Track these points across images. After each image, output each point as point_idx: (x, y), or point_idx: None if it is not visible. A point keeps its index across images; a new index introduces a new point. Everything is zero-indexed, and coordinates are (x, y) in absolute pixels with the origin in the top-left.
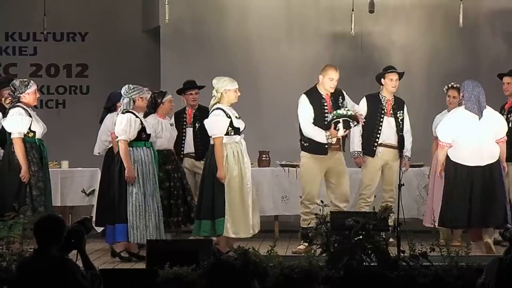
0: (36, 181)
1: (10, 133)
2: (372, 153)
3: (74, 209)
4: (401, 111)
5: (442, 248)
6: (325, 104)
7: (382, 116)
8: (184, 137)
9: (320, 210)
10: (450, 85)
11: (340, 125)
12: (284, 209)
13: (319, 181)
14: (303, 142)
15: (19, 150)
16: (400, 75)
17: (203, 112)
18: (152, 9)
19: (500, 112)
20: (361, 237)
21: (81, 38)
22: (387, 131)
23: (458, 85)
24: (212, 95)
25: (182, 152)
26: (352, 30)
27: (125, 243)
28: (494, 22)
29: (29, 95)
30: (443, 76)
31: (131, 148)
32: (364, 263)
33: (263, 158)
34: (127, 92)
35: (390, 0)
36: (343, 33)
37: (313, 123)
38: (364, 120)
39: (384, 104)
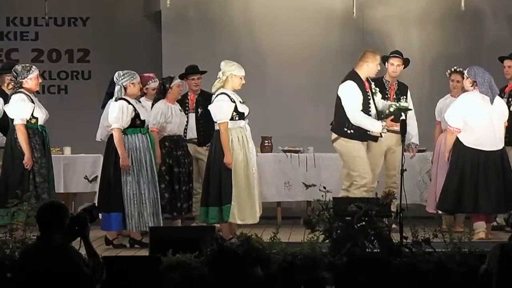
0: (39, 167)
1: (12, 120)
2: (375, 138)
3: (77, 195)
4: (405, 96)
5: (445, 234)
6: (367, 91)
7: (386, 100)
8: (186, 123)
9: (322, 196)
10: (453, 69)
11: (403, 117)
12: (286, 196)
13: None
14: (346, 129)
15: (22, 137)
16: (405, 61)
17: (205, 97)
18: None
19: (500, 95)
20: (363, 223)
21: (83, 23)
22: None
23: (461, 69)
24: (218, 77)
25: (184, 138)
26: (354, 13)
27: (117, 231)
28: (495, 4)
29: (31, 80)
30: (446, 60)
31: (125, 136)
32: (367, 250)
33: (265, 144)
34: (117, 79)
35: None
36: (345, 17)
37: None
38: None
39: (387, 89)
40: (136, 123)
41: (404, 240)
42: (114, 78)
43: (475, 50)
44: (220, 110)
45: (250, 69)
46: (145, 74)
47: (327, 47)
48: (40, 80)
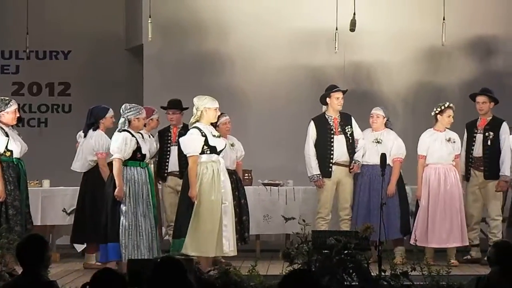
0: (12, 200)
1: None
2: (328, 174)
3: (55, 228)
4: (349, 126)
5: (423, 268)
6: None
7: (332, 135)
8: (168, 156)
9: (301, 229)
10: (447, 105)
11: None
12: (266, 228)
13: None
14: None
15: None
16: (344, 93)
17: (187, 131)
18: (135, 27)
19: (473, 130)
20: (342, 256)
21: (64, 56)
22: (338, 150)
23: (451, 104)
24: (193, 113)
25: (166, 171)
26: (336, 48)
27: (116, 263)
28: (473, 41)
29: (8, 114)
30: (427, 95)
31: (124, 167)
32: (345, 283)
33: (245, 177)
34: (123, 112)
35: (373, 21)
36: (327, 52)
37: None
38: None
39: (331, 124)
40: (137, 156)
41: (383, 273)
42: (120, 110)
43: (453, 85)
44: (188, 143)
45: (231, 103)
46: (147, 107)
47: (308, 81)
48: (18, 114)
